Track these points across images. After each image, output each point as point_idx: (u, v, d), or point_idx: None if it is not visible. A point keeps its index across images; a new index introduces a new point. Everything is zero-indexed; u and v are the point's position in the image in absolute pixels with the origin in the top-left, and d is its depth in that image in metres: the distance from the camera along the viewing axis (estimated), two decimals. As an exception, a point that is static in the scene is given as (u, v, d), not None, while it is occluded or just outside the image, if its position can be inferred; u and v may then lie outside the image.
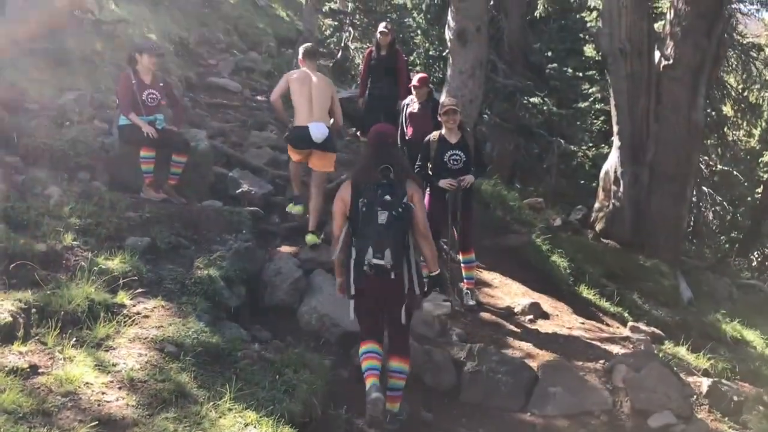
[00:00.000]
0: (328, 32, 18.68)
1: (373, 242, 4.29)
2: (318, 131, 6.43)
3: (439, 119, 6.46)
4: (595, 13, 15.51)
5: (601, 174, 11.15)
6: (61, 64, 8.61)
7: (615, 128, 10.68)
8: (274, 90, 6.88)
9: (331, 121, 6.70)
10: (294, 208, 7.10)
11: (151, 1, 13.62)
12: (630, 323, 7.29)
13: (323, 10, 18.30)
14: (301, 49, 7.00)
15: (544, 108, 12.99)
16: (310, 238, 6.61)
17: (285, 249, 6.82)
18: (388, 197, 4.35)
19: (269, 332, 5.44)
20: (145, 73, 6.91)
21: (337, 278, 4.78)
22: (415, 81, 7.55)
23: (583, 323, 6.97)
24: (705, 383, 5.60)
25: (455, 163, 6.29)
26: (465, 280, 6.63)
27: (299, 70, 6.84)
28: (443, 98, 9.52)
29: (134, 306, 4.57)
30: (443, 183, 6.18)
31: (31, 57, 8.32)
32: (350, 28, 18.15)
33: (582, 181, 14.76)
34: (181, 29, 13.33)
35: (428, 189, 6.39)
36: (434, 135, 6.42)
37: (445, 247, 6.80)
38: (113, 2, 11.05)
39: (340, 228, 4.55)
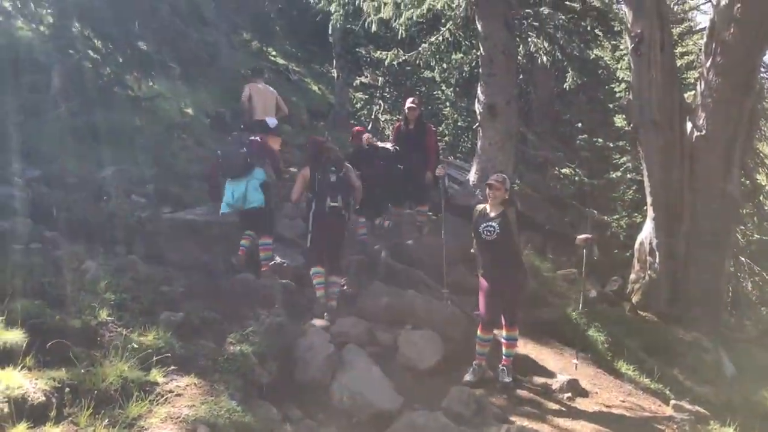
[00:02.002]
0: (359, 105, 19.06)
1: (330, 194, 6.94)
2: (271, 122, 9.97)
3: None
4: (624, 85, 15.64)
5: (636, 245, 10.98)
6: (100, 139, 8.87)
7: (649, 199, 10.57)
8: (243, 95, 10.16)
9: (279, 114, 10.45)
10: None
11: (188, 77, 14.08)
12: (672, 401, 7.00)
13: (354, 84, 18.74)
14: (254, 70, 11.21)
15: (576, 178, 12.96)
16: None
17: (317, 323, 6.76)
18: (333, 168, 7.15)
19: (301, 410, 5.31)
20: None
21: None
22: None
23: (623, 401, 6.73)
24: (757, 468, 5.33)
25: (488, 234, 6.27)
26: (504, 357, 6.47)
27: (257, 85, 10.26)
28: (473, 170, 9.61)
29: (167, 384, 4.52)
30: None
31: (73, 132, 8.60)
32: (380, 101, 18.51)
33: (616, 251, 14.55)
34: (216, 104, 13.69)
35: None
36: (479, 206, 6.49)
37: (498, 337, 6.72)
38: (151, 79, 11.40)
39: (299, 193, 7.30)
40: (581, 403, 6.38)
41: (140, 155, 9.00)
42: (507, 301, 6.38)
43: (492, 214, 6.34)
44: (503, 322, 6.43)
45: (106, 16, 9.47)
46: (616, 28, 14.06)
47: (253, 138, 7.69)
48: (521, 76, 13.47)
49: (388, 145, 9.16)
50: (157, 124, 10.35)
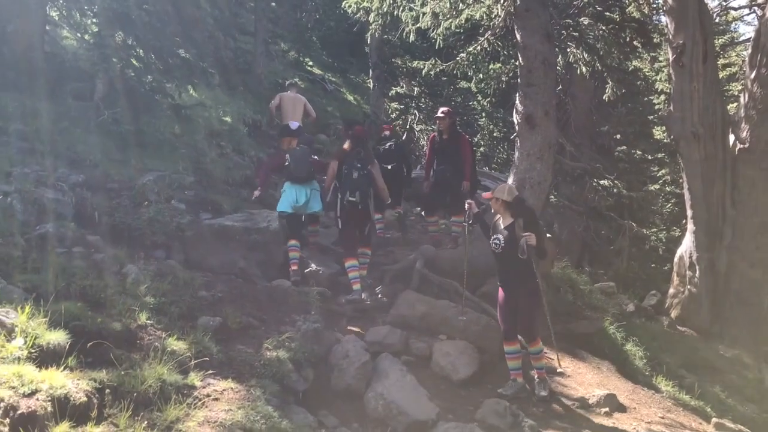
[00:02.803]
0: (394, 115, 19.10)
1: (350, 189, 7.49)
2: (294, 125, 10.87)
3: None
4: (663, 96, 15.43)
5: (675, 258, 10.78)
6: (142, 146, 9.01)
7: (689, 212, 10.38)
8: (272, 102, 11.65)
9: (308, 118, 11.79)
10: None
11: (227, 85, 14.27)
12: (714, 419, 6.85)
13: (390, 94, 18.78)
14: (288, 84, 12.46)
15: (614, 190, 12.79)
16: None
17: (352, 330, 6.77)
18: (359, 165, 7.64)
19: (336, 418, 5.33)
20: None
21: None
22: None
23: (662, 418, 6.59)
24: (803, 490, 5.17)
25: (495, 246, 6.21)
26: (536, 370, 6.39)
27: (287, 93, 11.62)
28: (509, 181, 9.52)
29: (204, 388, 4.55)
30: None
31: (115, 138, 8.75)
32: (416, 111, 18.52)
33: (653, 265, 14.32)
34: (254, 112, 13.83)
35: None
36: (497, 215, 6.41)
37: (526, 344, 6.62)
38: (191, 87, 11.56)
39: (331, 181, 7.88)
40: (619, 419, 6.26)
41: (180, 162, 9.11)
42: (522, 315, 6.22)
43: (501, 226, 6.26)
44: (524, 340, 6.37)
45: (148, 25, 9.63)
46: (655, 40, 13.91)
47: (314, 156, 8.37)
48: (560, 87, 13.34)
49: (388, 144, 9.90)
50: (197, 132, 10.48)
